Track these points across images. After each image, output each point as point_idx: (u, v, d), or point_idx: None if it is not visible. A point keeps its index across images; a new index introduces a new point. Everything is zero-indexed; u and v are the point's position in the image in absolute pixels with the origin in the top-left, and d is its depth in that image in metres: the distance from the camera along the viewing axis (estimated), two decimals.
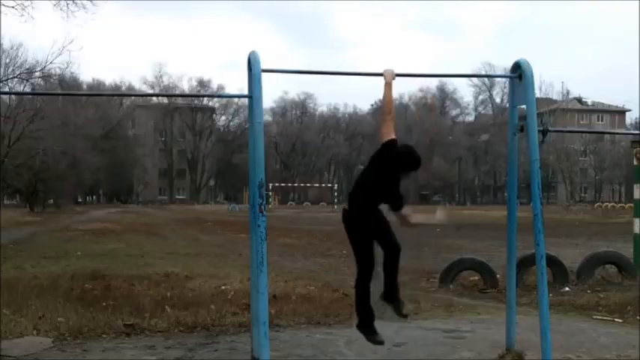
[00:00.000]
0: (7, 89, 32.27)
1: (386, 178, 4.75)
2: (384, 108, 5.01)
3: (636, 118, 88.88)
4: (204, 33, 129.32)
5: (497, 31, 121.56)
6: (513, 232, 5.23)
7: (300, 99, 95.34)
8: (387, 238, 4.89)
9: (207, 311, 6.80)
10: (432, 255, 14.46)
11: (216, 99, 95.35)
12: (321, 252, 15.97)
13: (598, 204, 63.62)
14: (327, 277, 10.38)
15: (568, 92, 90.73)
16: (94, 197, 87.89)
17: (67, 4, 22.45)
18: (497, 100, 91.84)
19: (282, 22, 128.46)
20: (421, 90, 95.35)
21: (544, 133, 4.90)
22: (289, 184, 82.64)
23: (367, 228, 4.81)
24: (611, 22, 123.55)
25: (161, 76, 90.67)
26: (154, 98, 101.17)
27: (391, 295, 5.02)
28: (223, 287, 8.65)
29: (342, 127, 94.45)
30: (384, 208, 4.87)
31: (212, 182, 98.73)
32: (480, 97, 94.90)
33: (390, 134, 4.85)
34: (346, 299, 7.80)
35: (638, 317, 7.11)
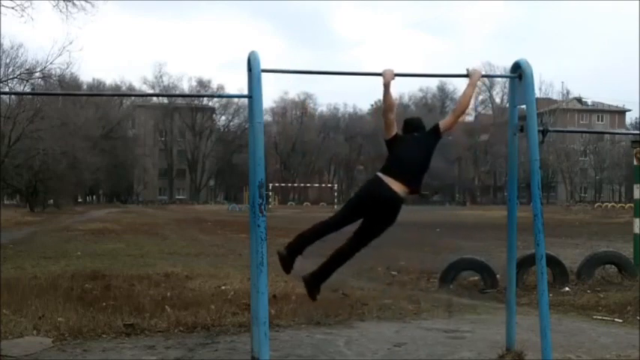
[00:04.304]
0: (7, 89, 32.28)
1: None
2: (384, 108, 5.06)
3: (636, 118, 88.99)
4: (204, 33, 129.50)
5: (497, 31, 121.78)
6: (513, 232, 5.24)
7: (300, 99, 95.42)
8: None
9: (207, 311, 6.80)
10: (432, 255, 14.46)
11: (216, 99, 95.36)
12: (321, 252, 15.94)
13: (598, 204, 63.70)
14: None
15: (568, 92, 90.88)
16: (94, 197, 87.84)
17: (67, 5, 22.51)
18: (497, 100, 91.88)
19: (282, 22, 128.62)
20: (421, 90, 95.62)
21: (544, 133, 4.90)
22: (289, 184, 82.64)
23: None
24: (611, 22, 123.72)
25: (161, 76, 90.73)
26: (154, 98, 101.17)
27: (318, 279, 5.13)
28: (223, 287, 8.65)
29: (342, 127, 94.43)
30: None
31: (212, 182, 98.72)
32: (480, 97, 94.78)
33: (389, 133, 5.02)
34: (346, 299, 7.81)
35: (638, 317, 7.11)
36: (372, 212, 4.85)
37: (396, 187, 4.80)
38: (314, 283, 5.11)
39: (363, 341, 5.91)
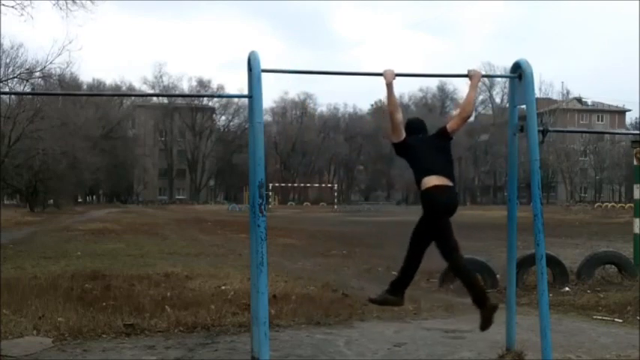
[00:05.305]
0: (7, 89, 32.31)
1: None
2: (388, 109, 5.05)
3: (636, 118, 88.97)
4: (204, 33, 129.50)
5: (497, 31, 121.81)
6: (513, 232, 5.24)
7: (300, 99, 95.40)
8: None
9: (207, 311, 6.80)
10: (432, 255, 14.44)
11: (216, 99, 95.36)
12: (321, 252, 15.95)
13: (598, 204, 63.68)
14: (327, 278, 10.37)
15: (568, 92, 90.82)
16: (94, 197, 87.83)
17: (67, 3, 22.50)
18: (497, 100, 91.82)
19: (282, 22, 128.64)
20: (421, 90, 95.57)
21: (544, 133, 4.91)
22: (289, 184, 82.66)
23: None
24: (611, 22, 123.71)
25: (161, 76, 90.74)
26: (154, 98, 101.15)
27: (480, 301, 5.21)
28: (223, 287, 8.64)
29: (342, 127, 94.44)
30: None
31: (212, 182, 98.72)
32: (480, 97, 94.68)
33: (399, 136, 5.04)
34: (346, 299, 7.81)
35: (638, 317, 7.11)
36: (447, 218, 5.19)
37: (446, 181, 4.92)
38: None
39: (363, 341, 5.91)
